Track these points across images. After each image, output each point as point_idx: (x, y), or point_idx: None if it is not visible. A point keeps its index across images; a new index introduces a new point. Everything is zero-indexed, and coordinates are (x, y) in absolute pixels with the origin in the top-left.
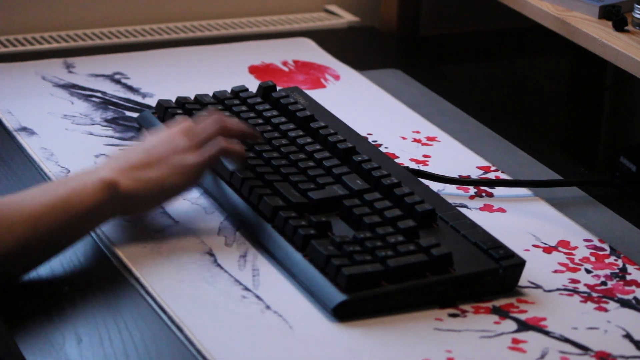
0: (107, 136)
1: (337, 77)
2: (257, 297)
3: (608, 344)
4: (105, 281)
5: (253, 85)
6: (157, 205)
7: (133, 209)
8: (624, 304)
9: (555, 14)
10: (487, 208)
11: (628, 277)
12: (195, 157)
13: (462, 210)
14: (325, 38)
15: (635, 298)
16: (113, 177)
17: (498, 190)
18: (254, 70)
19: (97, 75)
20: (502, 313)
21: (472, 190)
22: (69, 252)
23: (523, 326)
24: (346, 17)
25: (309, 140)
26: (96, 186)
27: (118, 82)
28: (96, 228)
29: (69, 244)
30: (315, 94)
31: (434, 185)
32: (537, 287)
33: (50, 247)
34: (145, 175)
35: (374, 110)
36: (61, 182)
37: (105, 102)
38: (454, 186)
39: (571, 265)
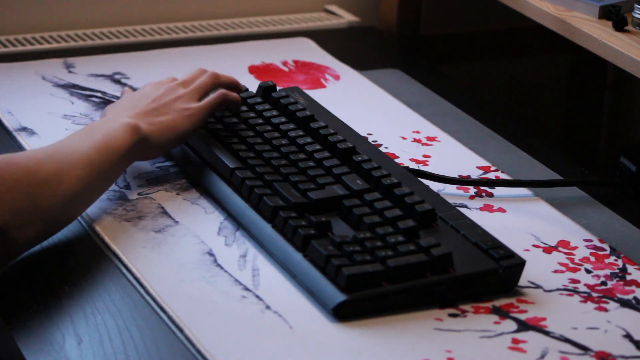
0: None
1: (337, 77)
2: (257, 297)
3: (608, 344)
4: (106, 281)
5: (253, 85)
6: (168, 149)
7: (150, 152)
8: (624, 304)
9: (555, 14)
10: (487, 208)
11: (628, 277)
12: (198, 104)
13: (462, 210)
14: (325, 38)
15: (635, 298)
16: (135, 121)
17: (498, 190)
18: (254, 70)
19: (97, 75)
20: (502, 313)
21: (472, 190)
22: (68, 252)
23: (523, 326)
24: (346, 17)
25: (309, 140)
26: (124, 130)
27: (118, 82)
28: (126, 168)
29: (108, 187)
30: (315, 94)
31: (434, 185)
32: (537, 287)
33: (100, 189)
34: (158, 120)
35: (374, 110)
36: (90, 129)
37: (105, 102)
38: (454, 186)
39: (571, 265)
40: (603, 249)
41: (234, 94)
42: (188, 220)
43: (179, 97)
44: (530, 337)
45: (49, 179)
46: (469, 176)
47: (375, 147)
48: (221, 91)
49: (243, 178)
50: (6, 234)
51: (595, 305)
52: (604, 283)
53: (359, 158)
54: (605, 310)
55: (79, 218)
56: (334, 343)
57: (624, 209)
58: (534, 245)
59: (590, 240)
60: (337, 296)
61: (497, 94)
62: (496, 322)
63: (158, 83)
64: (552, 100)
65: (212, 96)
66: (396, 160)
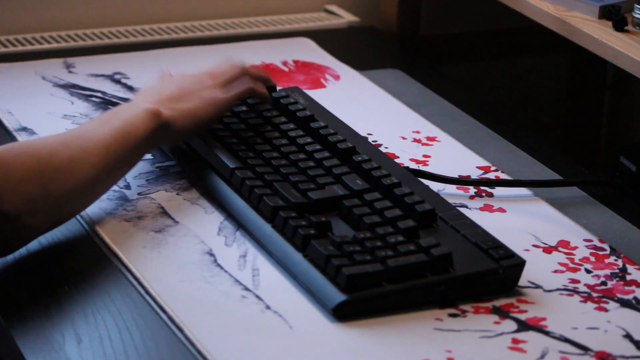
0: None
1: (337, 77)
2: (257, 297)
3: (608, 344)
4: (106, 281)
5: None
6: (188, 135)
7: (171, 137)
8: (624, 304)
9: (555, 14)
10: (487, 208)
11: (628, 277)
12: (223, 93)
13: (462, 210)
14: (325, 38)
15: (635, 298)
16: (155, 107)
17: (498, 190)
18: None
19: (97, 75)
20: (502, 313)
21: (472, 190)
22: (68, 252)
23: (523, 326)
24: (346, 17)
25: (309, 140)
26: (144, 116)
27: (118, 82)
28: (145, 154)
29: (126, 173)
30: (315, 94)
31: (434, 185)
32: (537, 287)
33: (117, 175)
34: (180, 107)
35: (374, 110)
36: (110, 115)
37: (105, 102)
38: (454, 186)
39: (571, 265)
40: (603, 249)
41: (261, 89)
42: (188, 220)
43: (203, 86)
44: (530, 337)
45: (62, 166)
46: (469, 176)
47: (375, 147)
48: (247, 83)
49: (243, 178)
50: (18, 221)
51: (595, 305)
52: (604, 283)
53: (359, 158)
54: (605, 310)
55: (79, 218)
56: (334, 343)
57: (624, 209)
58: (534, 245)
59: (590, 240)
60: (337, 296)
61: (497, 94)
62: (496, 322)
63: (188, 74)
64: (552, 100)
65: (237, 87)
66: (396, 160)
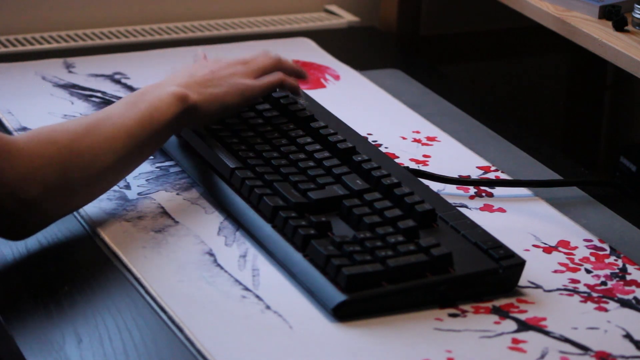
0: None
1: (337, 77)
2: (257, 297)
3: (608, 344)
4: (105, 281)
5: None
6: (215, 120)
7: (196, 121)
8: (624, 304)
9: (555, 14)
10: (487, 208)
11: (628, 277)
12: (254, 82)
13: (462, 210)
14: (325, 38)
15: (635, 298)
16: (183, 90)
17: (498, 190)
18: None
19: (97, 75)
20: (502, 313)
21: (472, 190)
22: (68, 252)
23: (523, 326)
24: (346, 17)
25: (309, 140)
26: (171, 100)
27: (118, 82)
28: (170, 136)
29: (150, 155)
30: (315, 94)
31: (434, 185)
32: (537, 287)
33: (142, 158)
34: (208, 91)
35: (374, 110)
36: (137, 97)
37: (105, 102)
38: (454, 186)
39: (571, 265)
40: (603, 249)
41: (291, 80)
42: (188, 220)
43: (235, 72)
44: (530, 337)
45: (84, 153)
46: (469, 176)
47: (375, 147)
48: (278, 74)
49: (243, 178)
50: (38, 207)
51: (595, 305)
52: (604, 283)
53: (359, 158)
54: (605, 310)
55: (80, 218)
56: (334, 343)
57: (624, 209)
58: (534, 245)
59: (590, 240)
60: (337, 296)
61: (497, 94)
62: (496, 322)
63: (219, 59)
64: (552, 100)
65: (268, 77)
66: (396, 160)
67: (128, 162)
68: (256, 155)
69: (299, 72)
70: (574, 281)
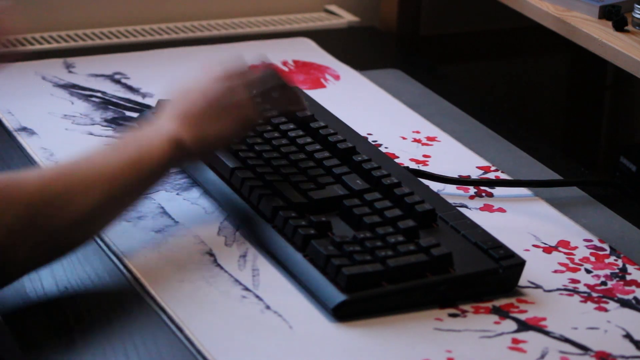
0: (107, 136)
1: (337, 77)
2: (257, 297)
3: (608, 344)
4: (105, 281)
5: None
6: (212, 157)
7: (195, 159)
8: (624, 304)
9: (555, 14)
10: (487, 208)
11: (628, 277)
12: (257, 114)
13: (462, 210)
14: (325, 38)
15: (635, 298)
16: (178, 133)
17: (498, 190)
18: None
19: (97, 75)
20: (502, 313)
21: (472, 190)
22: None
23: (523, 326)
24: (346, 17)
25: (309, 140)
26: (164, 144)
27: (118, 82)
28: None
29: (138, 200)
30: (315, 94)
31: (434, 185)
32: (537, 287)
33: (124, 206)
34: (209, 130)
35: (374, 110)
36: (129, 140)
37: (105, 102)
38: (454, 186)
39: (571, 265)
40: (603, 249)
41: (296, 105)
42: (188, 220)
43: (238, 103)
44: (530, 337)
45: (54, 199)
46: (469, 176)
47: (375, 147)
48: (285, 108)
49: (243, 178)
50: (5, 253)
51: (595, 305)
52: (604, 283)
53: (359, 158)
54: (605, 310)
55: None
56: (334, 343)
57: (624, 209)
58: (534, 245)
59: (590, 240)
60: (337, 296)
61: (497, 94)
62: (496, 322)
63: (222, 77)
64: (552, 100)
65: (273, 111)
66: (396, 160)
67: (111, 208)
68: (256, 155)
69: (300, 103)
70: (574, 281)
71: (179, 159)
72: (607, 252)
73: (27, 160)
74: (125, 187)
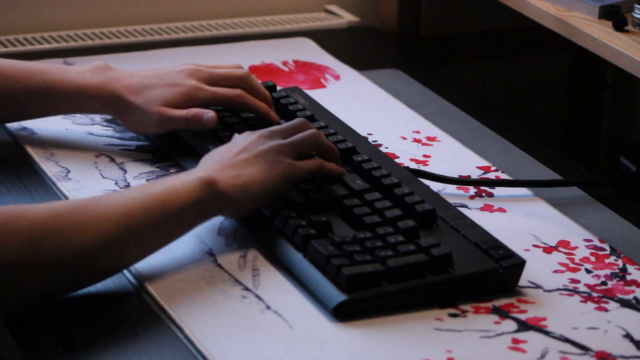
0: (107, 136)
1: (337, 77)
2: (257, 297)
3: (608, 344)
4: (104, 281)
5: None
6: (254, 206)
7: (231, 209)
8: (624, 304)
9: (555, 14)
10: (487, 208)
11: (628, 277)
12: (297, 163)
13: (462, 210)
14: (325, 38)
15: (635, 298)
16: (211, 175)
17: (498, 190)
18: (254, 70)
19: None
20: (502, 313)
21: (472, 190)
22: None
23: (523, 326)
24: (346, 17)
25: None
26: (194, 184)
27: None
28: (197, 225)
29: (166, 241)
30: (315, 94)
31: (434, 185)
32: (537, 287)
33: (145, 245)
34: (245, 173)
35: (374, 110)
36: (159, 181)
37: None
38: (454, 186)
39: (571, 265)
40: (603, 249)
41: (331, 166)
42: None
43: (272, 147)
44: (531, 337)
45: (62, 232)
46: (469, 176)
47: (375, 147)
48: (319, 161)
49: None
50: (4, 282)
51: (596, 305)
52: (604, 283)
53: (359, 158)
54: (606, 310)
55: None
56: (334, 343)
57: (624, 209)
58: (534, 245)
59: (590, 240)
60: (337, 296)
61: (497, 94)
62: (496, 322)
63: (252, 132)
64: (552, 100)
65: (309, 162)
66: (396, 160)
67: (127, 246)
68: None
69: (336, 156)
70: (574, 281)
71: (213, 203)
72: (607, 252)
73: (28, 160)
74: (145, 225)
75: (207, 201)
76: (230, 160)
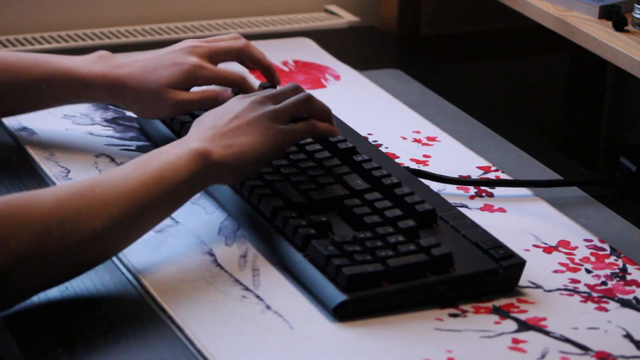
0: (107, 136)
1: (337, 77)
2: (257, 297)
3: (608, 344)
4: (104, 281)
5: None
6: (247, 173)
7: (225, 177)
8: (624, 304)
9: (555, 14)
10: (487, 208)
11: (628, 277)
12: (288, 127)
13: (463, 210)
14: (325, 38)
15: (635, 298)
16: (204, 146)
17: (498, 190)
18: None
19: None
20: (503, 313)
21: (472, 190)
22: None
23: (523, 326)
24: (346, 17)
25: (309, 140)
26: (189, 157)
27: None
28: (191, 198)
29: (164, 217)
30: (315, 94)
31: (434, 185)
32: (538, 287)
33: (146, 222)
34: (237, 141)
35: (374, 110)
36: (153, 155)
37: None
38: (454, 186)
39: (571, 265)
40: (603, 249)
41: (324, 126)
42: (188, 220)
43: (264, 113)
44: (531, 337)
45: (68, 220)
46: (469, 176)
47: (375, 147)
48: (311, 122)
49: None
50: (7, 279)
51: (596, 305)
52: (604, 283)
53: (360, 158)
54: (606, 310)
55: None
56: (334, 343)
57: (624, 209)
58: (534, 245)
59: (590, 240)
60: (337, 296)
61: (497, 94)
62: (496, 322)
63: (243, 96)
64: (552, 100)
65: (301, 124)
66: (396, 160)
67: (129, 227)
68: None
69: (329, 115)
70: (574, 281)
71: (208, 174)
72: (607, 252)
73: (27, 160)
74: (146, 204)
75: (202, 173)
76: (223, 128)
